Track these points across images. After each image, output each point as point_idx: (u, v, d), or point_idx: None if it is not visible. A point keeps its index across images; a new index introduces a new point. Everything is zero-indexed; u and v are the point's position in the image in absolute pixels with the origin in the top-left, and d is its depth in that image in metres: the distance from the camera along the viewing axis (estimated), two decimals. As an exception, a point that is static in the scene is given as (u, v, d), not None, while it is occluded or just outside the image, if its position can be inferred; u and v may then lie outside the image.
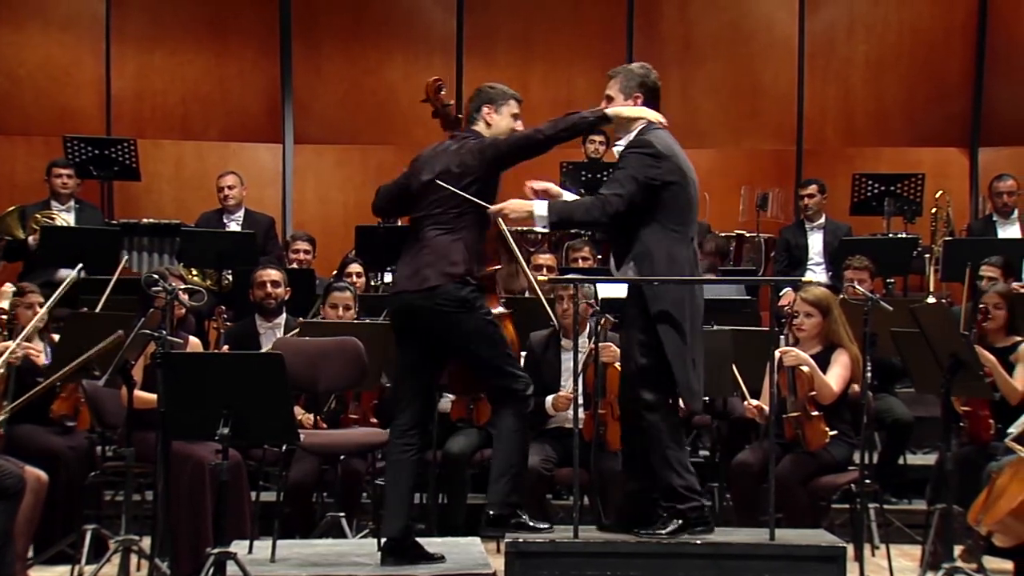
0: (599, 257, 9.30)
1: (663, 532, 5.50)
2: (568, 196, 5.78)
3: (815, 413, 6.65)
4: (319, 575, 5.51)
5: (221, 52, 12.46)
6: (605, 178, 10.48)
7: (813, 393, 6.65)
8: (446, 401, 7.72)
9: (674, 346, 5.45)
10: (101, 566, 5.89)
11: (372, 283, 9.42)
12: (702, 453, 8.46)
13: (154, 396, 5.93)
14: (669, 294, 5.46)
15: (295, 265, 9.43)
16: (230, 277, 9.30)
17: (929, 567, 6.18)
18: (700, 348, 5.58)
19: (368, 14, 12.61)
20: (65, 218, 9.65)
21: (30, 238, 9.41)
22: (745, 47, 12.60)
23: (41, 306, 6.86)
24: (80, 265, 7.36)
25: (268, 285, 7.95)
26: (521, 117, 5.79)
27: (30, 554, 6.38)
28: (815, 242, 10.26)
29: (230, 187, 10.03)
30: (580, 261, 9.06)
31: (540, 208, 5.53)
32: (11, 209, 9.66)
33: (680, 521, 5.50)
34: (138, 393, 6.02)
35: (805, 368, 6.66)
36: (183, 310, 6.86)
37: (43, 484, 6.09)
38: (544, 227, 5.61)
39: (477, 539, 6.31)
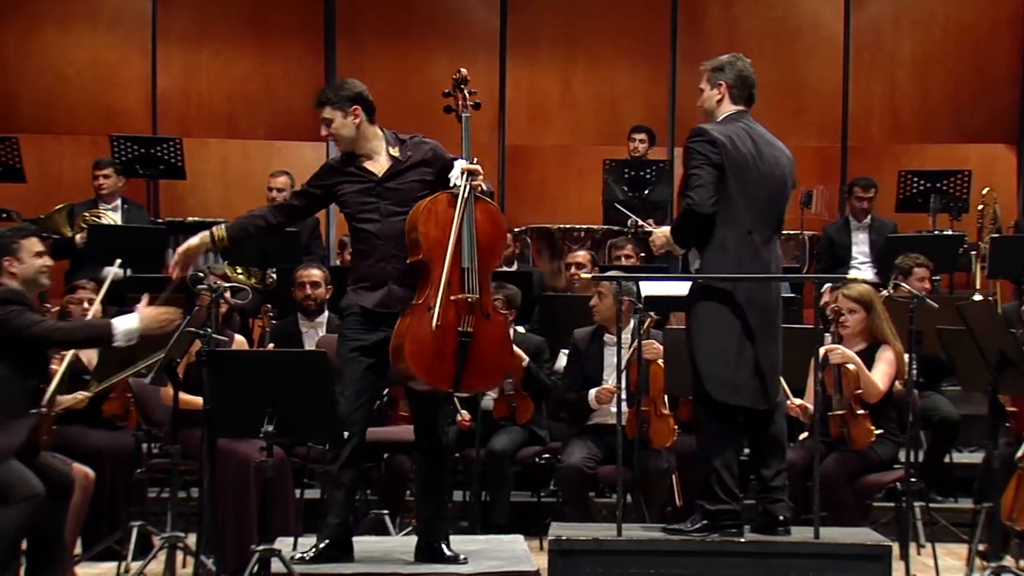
0: (642, 255, 9.28)
1: (688, 528, 5.52)
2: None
3: (860, 411, 6.62)
4: (363, 572, 5.52)
5: (266, 51, 12.52)
6: (647, 176, 10.51)
7: (859, 391, 6.62)
8: (488, 399, 7.74)
9: (705, 338, 5.45)
10: (147, 563, 5.93)
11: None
12: (745, 451, 8.41)
13: (194, 397, 5.96)
14: (711, 286, 5.48)
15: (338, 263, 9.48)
16: (274, 275, 9.34)
17: (975, 566, 6.13)
18: (763, 342, 5.54)
19: (412, 12, 12.63)
20: (112, 217, 9.72)
21: (77, 236, 9.49)
22: (790, 44, 12.54)
23: (91, 303, 6.93)
24: (119, 261, 7.39)
25: (308, 287, 7.99)
26: None
27: (77, 550, 6.43)
28: (860, 240, 10.21)
29: (280, 189, 10.10)
30: (623, 259, 9.04)
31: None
32: (59, 207, 9.74)
33: (706, 521, 5.50)
34: (181, 395, 6.05)
35: (851, 366, 6.63)
36: (226, 308, 6.90)
37: (90, 481, 6.14)
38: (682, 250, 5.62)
39: (520, 536, 6.30)
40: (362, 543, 5.94)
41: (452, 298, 5.45)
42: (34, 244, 5.71)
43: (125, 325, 5.51)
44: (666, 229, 5.65)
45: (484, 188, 5.67)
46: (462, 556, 5.62)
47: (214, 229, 5.76)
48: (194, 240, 5.75)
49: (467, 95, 5.84)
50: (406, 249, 5.52)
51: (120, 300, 7.89)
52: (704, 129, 5.55)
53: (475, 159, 5.64)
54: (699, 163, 5.47)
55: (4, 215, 10.26)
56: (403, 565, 5.59)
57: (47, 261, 5.75)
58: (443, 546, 5.66)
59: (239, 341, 7.13)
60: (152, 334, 5.57)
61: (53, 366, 6.18)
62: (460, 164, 5.57)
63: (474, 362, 5.48)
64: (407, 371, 5.41)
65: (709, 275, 5.52)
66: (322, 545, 5.57)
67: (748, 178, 5.51)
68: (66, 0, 12.36)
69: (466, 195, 5.51)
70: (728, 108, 5.66)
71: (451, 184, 5.55)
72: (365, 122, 5.68)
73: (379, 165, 5.67)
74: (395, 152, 5.69)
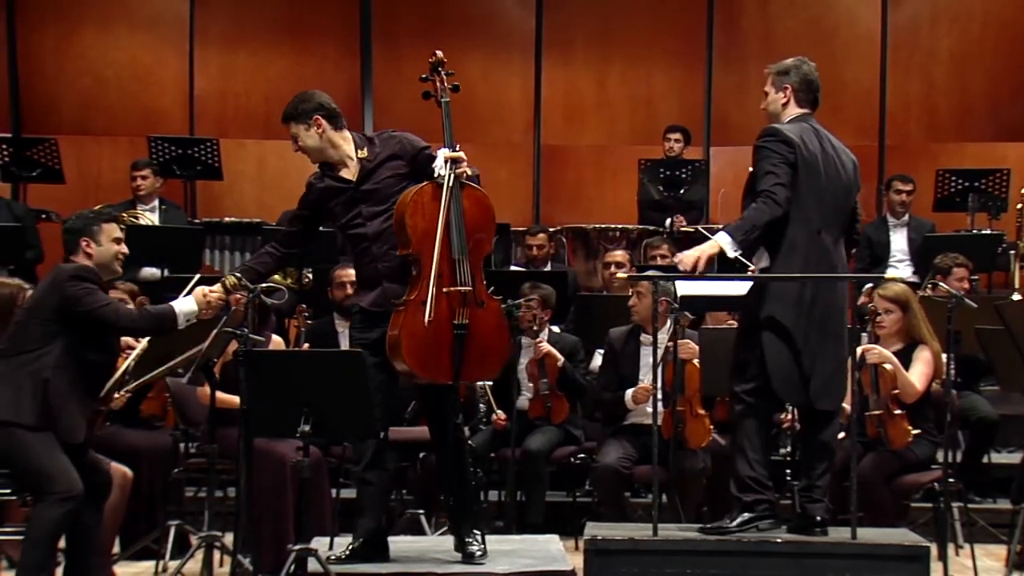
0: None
1: (729, 524, 5.50)
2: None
3: (898, 412, 6.59)
4: (398, 572, 5.54)
5: (302, 52, 12.57)
6: (683, 175, 10.49)
7: (896, 391, 6.59)
8: (524, 399, 7.75)
9: (768, 335, 5.44)
10: (185, 562, 5.96)
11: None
12: (782, 451, 8.39)
13: (230, 396, 5.99)
14: (777, 284, 5.48)
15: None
16: (310, 275, 9.37)
17: (1015, 567, 6.09)
18: (825, 344, 5.52)
19: (447, 13, 12.65)
20: (149, 218, 9.77)
21: (115, 237, 9.53)
22: (826, 42, 12.46)
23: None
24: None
25: (348, 286, 8.00)
26: None
27: (116, 549, 6.47)
28: (898, 239, 10.15)
29: None
30: (658, 259, 9.03)
31: (724, 239, 5.43)
32: (98, 208, 9.79)
33: (747, 514, 5.50)
34: (218, 393, 6.07)
35: (888, 366, 6.60)
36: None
37: (128, 481, 6.17)
38: (737, 252, 5.44)
39: (555, 536, 6.30)
40: (397, 543, 5.95)
41: (445, 290, 5.42)
42: (113, 229, 5.72)
43: (185, 307, 5.57)
44: (716, 240, 5.46)
45: (469, 174, 5.58)
46: (478, 552, 5.60)
47: (226, 280, 5.69)
48: (215, 288, 5.74)
49: (445, 78, 5.77)
50: (395, 246, 5.51)
51: (158, 301, 7.92)
52: (777, 129, 5.56)
53: (457, 146, 5.58)
54: (776, 162, 5.46)
55: (44, 216, 10.34)
56: (438, 565, 5.59)
57: (123, 248, 5.76)
58: (468, 540, 5.65)
59: (276, 342, 7.16)
60: (205, 318, 5.61)
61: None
62: (443, 153, 5.52)
63: (472, 353, 5.45)
64: (405, 368, 5.41)
65: (745, 276, 5.51)
66: (356, 544, 5.59)
67: (817, 179, 5.52)
68: (104, 2, 12.45)
69: (451, 184, 5.48)
70: (793, 111, 5.69)
71: (435, 174, 5.51)
72: (330, 130, 5.66)
73: (352, 171, 5.67)
74: (363, 154, 5.67)
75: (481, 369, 5.62)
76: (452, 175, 5.47)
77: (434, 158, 5.54)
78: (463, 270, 5.46)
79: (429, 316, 5.33)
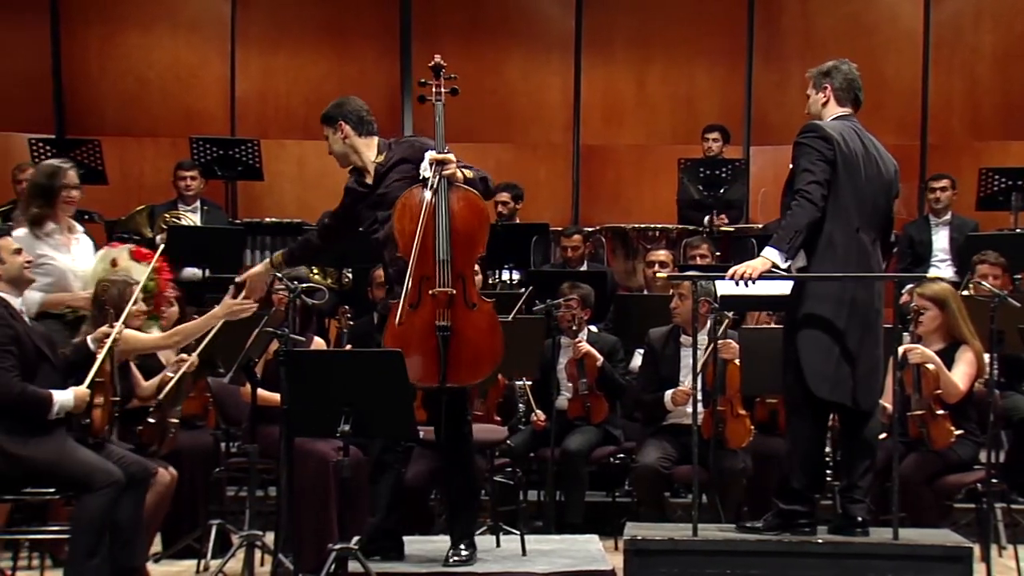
0: (717, 255, 9.24)
1: (762, 525, 5.52)
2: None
3: (940, 412, 6.55)
4: (438, 571, 5.55)
5: (342, 53, 12.61)
6: (723, 175, 10.45)
7: (939, 391, 6.54)
8: (563, 399, 7.74)
9: (809, 335, 5.43)
10: (226, 561, 5.98)
11: (489, 280, 9.46)
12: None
13: (272, 394, 6.02)
14: (817, 284, 5.46)
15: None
16: (350, 276, 9.40)
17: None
18: (864, 343, 5.50)
19: (487, 13, 12.67)
20: (191, 218, 9.84)
21: (157, 237, 9.60)
22: (867, 40, 12.40)
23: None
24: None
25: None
26: None
27: (157, 548, 6.51)
28: (940, 238, 10.07)
29: None
30: (698, 259, 9.01)
31: (771, 253, 5.41)
32: (140, 208, 9.88)
33: (780, 519, 5.50)
34: (259, 391, 6.10)
35: (931, 366, 6.56)
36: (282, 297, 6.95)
37: (173, 479, 6.21)
38: (788, 262, 5.43)
39: (595, 536, 6.30)
40: (435, 542, 5.97)
41: (430, 292, 5.43)
42: (7, 244, 5.77)
43: (62, 398, 5.56)
44: (765, 255, 5.42)
45: (467, 175, 5.56)
46: (453, 558, 5.59)
47: (273, 256, 5.99)
48: (257, 268, 5.97)
49: (443, 82, 5.80)
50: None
51: (199, 301, 7.97)
52: (817, 125, 5.55)
53: (446, 148, 5.58)
54: (814, 159, 5.45)
55: (87, 217, 10.42)
56: (477, 564, 5.60)
57: (26, 256, 5.76)
58: (458, 547, 5.65)
59: (317, 343, 7.18)
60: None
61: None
62: (429, 155, 5.54)
63: (457, 355, 5.43)
64: None
65: (787, 276, 5.48)
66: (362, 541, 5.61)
67: (857, 177, 5.51)
68: (147, 4, 12.53)
69: (434, 186, 5.47)
70: (834, 110, 5.69)
71: (421, 176, 5.53)
72: (353, 136, 5.73)
73: (371, 176, 5.74)
74: (379, 159, 5.72)
75: (471, 372, 5.52)
76: (438, 176, 5.47)
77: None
78: (445, 272, 5.45)
79: (400, 319, 5.37)
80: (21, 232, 6.32)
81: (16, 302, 5.68)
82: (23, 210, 6.47)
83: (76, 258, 6.47)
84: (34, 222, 6.38)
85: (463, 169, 5.57)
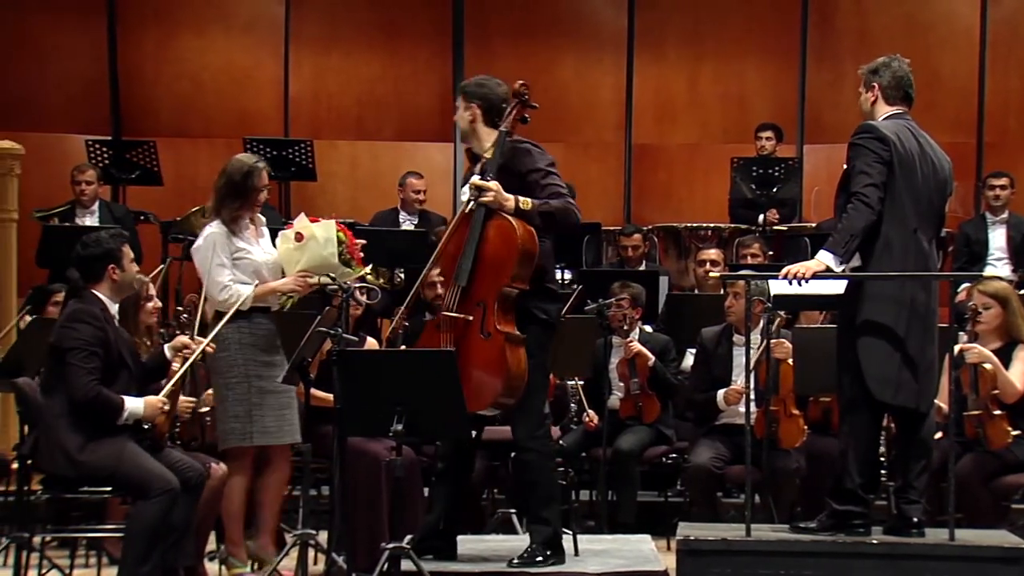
0: (770, 253, 9.20)
1: (816, 526, 5.50)
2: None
3: (997, 412, 6.49)
4: (491, 571, 5.56)
5: (395, 53, 12.65)
6: (775, 173, 10.41)
7: (996, 391, 6.49)
8: (615, 399, 7.74)
9: (869, 338, 5.39)
10: (280, 559, 6.02)
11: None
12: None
13: (325, 394, 6.04)
14: (875, 285, 5.42)
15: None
16: (402, 275, 9.43)
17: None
18: (923, 344, 5.47)
19: (539, 13, 12.67)
20: (88, 221, 9.83)
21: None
22: (922, 38, 12.29)
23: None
24: None
25: (438, 285, 8.02)
26: None
27: (211, 546, 6.56)
28: (997, 237, 9.99)
29: (416, 191, 10.39)
30: (749, 258, 8.98)
31: (827, 257, 5.37)
32: (195, 209, 9.92)
33: (834, 520, 5.47)
34: (313, 391, 6.13)
35: (988, 366, 6.50)
36: (360, 310, 6.97)
37: (224, 474, 6.24)
38: (843, 266, 5.40)
39: (647, 536, 6.29)
40: (488, 542, 5.98)
41: (446, 314, 5.48)
42: (129, 250, 5.90)
43: (132, 406, 5.61)
44: (820, 258, 5.39)
45: (521, 206, 5.44)
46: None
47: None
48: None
49: (518, 109, 5.71)
50: None
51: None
52: (872, 126, 5.51)
53: (489, 176, 5.49)
54: (870, 160, 5.41)
55: (142, 218, 10.51)
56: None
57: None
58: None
59: (370, 343, 7.21)
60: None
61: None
62: (473, 179, 5.54)
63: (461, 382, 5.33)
64: None
65: (843, 275, 5.45)
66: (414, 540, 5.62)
67: (914, 177, 5.47)
68: (201, 7, 12.63)
69: (467, 211, 5.47)
70: (884, 109, 5.64)
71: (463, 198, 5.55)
72: (480, 122, 5.69)
73: (476, 167, 5.71)
74: (489, 155, 5.64)
75: (471, 400, 5.36)
76: (472, 201, 5.47)
77: (538, 184, 5.53)
78: (454, 297, 5.48)
79: (395, 324, 5.59)
80: (216, 228, 6.33)
81: (113, 308, 5.76)
82: (215, 208, 6.45)
83: (265, 250, 6.47)
84: (231, 220, 6.38)
85: (521, 199, 5.48)
